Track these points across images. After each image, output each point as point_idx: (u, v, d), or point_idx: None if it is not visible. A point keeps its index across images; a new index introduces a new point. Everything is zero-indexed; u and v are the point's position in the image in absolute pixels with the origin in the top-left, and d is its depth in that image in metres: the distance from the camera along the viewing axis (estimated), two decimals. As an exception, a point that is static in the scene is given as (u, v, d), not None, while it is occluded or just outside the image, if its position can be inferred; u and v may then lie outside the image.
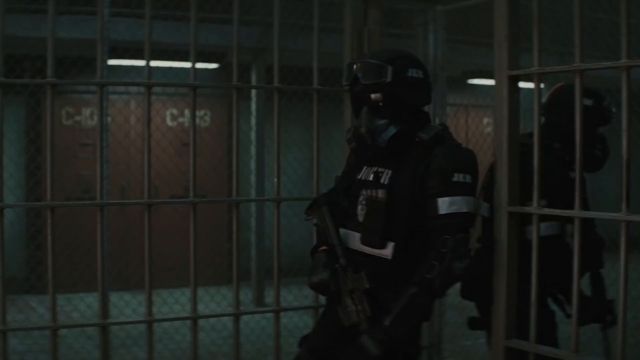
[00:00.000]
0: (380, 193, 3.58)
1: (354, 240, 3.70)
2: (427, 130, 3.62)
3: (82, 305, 9.44)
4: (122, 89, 11.07)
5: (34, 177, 10.68)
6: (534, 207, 3.57)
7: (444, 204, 3.44)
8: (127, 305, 9.45)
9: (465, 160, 3.57)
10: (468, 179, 3.51)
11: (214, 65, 11.29)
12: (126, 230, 10.94)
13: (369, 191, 3.66)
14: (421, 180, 3.53)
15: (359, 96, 3.74)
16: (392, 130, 3.58)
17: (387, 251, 3.56)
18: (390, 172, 3.63)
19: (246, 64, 10.64)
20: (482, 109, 12.75)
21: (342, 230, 3.75)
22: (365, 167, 3.77)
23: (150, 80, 4.08)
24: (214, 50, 10.30)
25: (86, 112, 11.53)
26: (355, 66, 3.67)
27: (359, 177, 3.78)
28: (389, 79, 3.57)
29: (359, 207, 3.70)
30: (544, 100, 4.30)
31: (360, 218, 3.68)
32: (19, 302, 9.95)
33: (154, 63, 4.12)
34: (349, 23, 4.54)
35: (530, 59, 3.61)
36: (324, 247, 3.78)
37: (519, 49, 3.72)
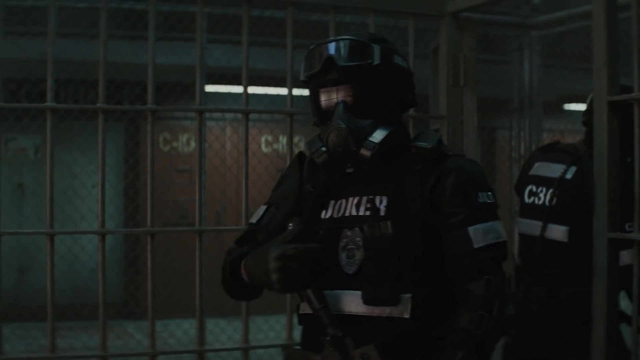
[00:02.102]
0: (387, 227, 2.59)
1: (345, 302, 2.66)
2: (424, 138, 2.77)
3: (179, 332, 9.51)
4: (218, 115, 11.14)
5: (133, 203, 10.81)
6: (638, 234, 3.49)
7: (478, 234, 2.61)
8: (222, 332, 9.49)
9: (482, 175, 2.77)
10: (492, 197, 2.71)
11: (308, 92, 11.31)
12: (221, 256, 10.98)
13: (357, 230, 2.67)
14: (432, 204, 2.65)
15: (329, 88, 2.75)
16: (383, 132, 2.68)
17: (402, 307, 2.58)
18: (385, 198, 2.67)
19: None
20: (579, 134, 12.54)
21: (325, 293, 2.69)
22: (338, 200, 2.78)
23: (247, 107, 4.11)
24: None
25: (183, 138, 11.66)
26: (326, 47, 2.71)
27: (329, 215, 2.77)
28: (376, 61, 2.68)
29: (343, 255, 2.69)
30: None
31: (350, 269, 2.66)
32: (117, 328, 10.05)
33: (249, 89, 4.15)
34: (445, 49, 4.52)
35: (628, 83, 3.54)
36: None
37: (618, 75, 3.65)
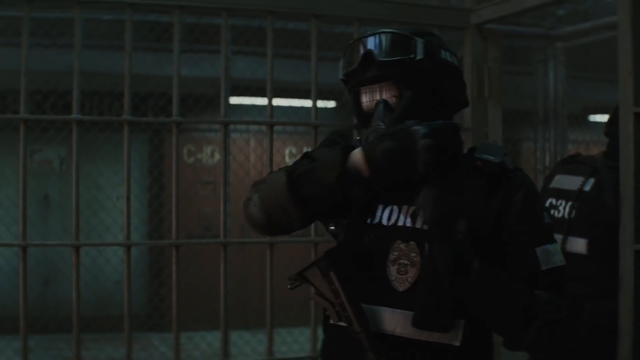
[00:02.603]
0: None
1: (389, 321, 2.39)
2: (490, 150, 2.48)
3: (203, 344, 9.50)
4: (242, 127, 11.14)
5: (158, 215, 10.81)
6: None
7: (545, 256, 2.38)
8: (246, 344, 9.48)
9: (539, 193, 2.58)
10: (549, 217, 2.52)
11: (332, 104, 11.32)
12: (245, 269, 10.99)
13: (414, 245, 2.40)
14: (496, 219, 2.41)
15: (369, 86, 2.50)
16: None
17: (453, 334, 2.33)
18: None
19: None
20: (604, 145, 12.46)
21: (365, 308, 2.40)
22: (387, 206, 2.49)
23: (272, 119, 4.11)
24: (332, 88, 10.32)
25: (207, 149, 11.65)
26: (365, 42, 2.47)
27: (377, 221, 2.49)
28: (419, 55, 2.41)
29: (392, 268, 2.41)
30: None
31: (401, 286, 2.38)
32: (142, 340, 10.05)
33: (274, 101, 4.15)
34: (469, 61, 4.52)
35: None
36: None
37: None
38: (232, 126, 4.12)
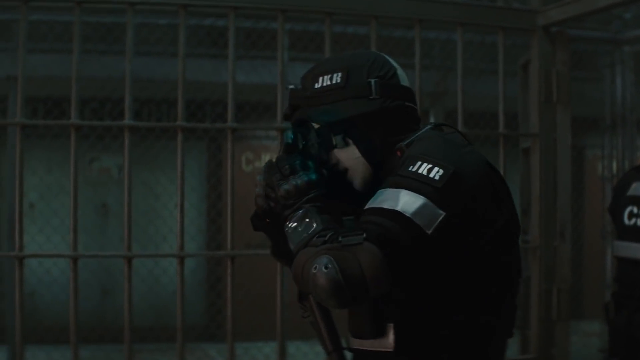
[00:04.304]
0: None
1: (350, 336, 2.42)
2: (409, 136, 2.34)
3: (260, 356, 9.44)
4: (299, 134, 11.06)
5: (215, 224, 10.74)
6: None
7: (375, 198, 2.13)
8: (304, 356, 9.39)
9: (448, 152, 2.20)
10: (437, 174, 2.10)
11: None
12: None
13: None
14: None
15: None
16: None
17: (384, 340, 2.24)
18: None
19: (425, 108, 10.50)
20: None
21: None
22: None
23: (330, 125, 4.02)
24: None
25: (265, 157, 11.58)
26: None
27: None
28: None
29: None
30: None
31: None
32: (198, 351, 10.02)
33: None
34: (536, 64, 4.38)
35: None
36: None
37: None
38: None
